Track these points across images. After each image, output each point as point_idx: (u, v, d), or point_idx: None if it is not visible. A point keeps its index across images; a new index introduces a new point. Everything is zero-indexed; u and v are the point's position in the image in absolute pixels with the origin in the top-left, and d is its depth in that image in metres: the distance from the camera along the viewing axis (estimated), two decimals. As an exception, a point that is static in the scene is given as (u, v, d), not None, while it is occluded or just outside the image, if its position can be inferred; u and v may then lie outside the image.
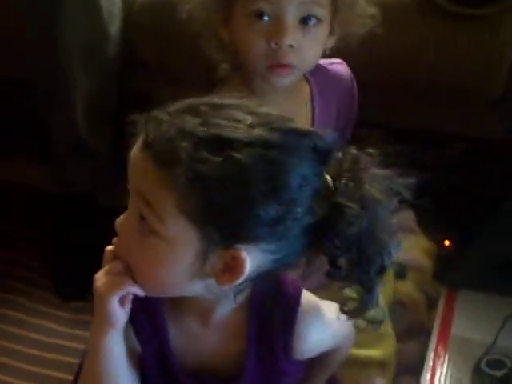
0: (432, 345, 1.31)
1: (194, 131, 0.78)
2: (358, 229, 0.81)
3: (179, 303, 0.92)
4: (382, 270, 0.83)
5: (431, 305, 1.46)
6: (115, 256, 0.87)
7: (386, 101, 1.70)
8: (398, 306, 1.45)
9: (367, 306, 0.85)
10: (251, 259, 0.81)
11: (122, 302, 0.87)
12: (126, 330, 0.91)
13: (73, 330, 1.61)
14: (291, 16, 1.19)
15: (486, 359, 1.25)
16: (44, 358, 1.55)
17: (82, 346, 1.23)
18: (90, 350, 0.92)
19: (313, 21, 1.21)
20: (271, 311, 0.93)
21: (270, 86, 1.28)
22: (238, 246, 0.80)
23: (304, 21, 1.20)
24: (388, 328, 1.38)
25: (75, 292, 1.64)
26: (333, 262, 0.84)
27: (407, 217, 1.55)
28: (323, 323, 0.96)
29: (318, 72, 1.33)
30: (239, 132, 0.78)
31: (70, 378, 1.21)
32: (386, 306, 1.40)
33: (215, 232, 0.79)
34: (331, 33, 1.27)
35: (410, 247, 1.49)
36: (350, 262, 0.83)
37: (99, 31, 1.59)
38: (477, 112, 1.66)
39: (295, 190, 0.79)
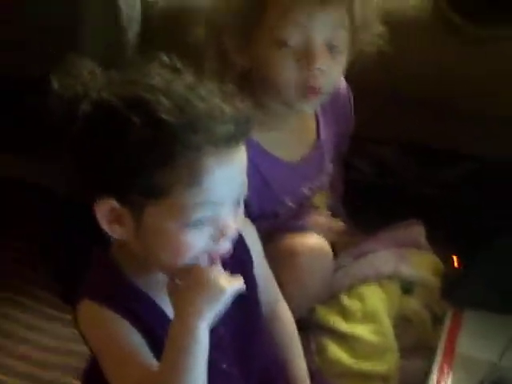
0: (437, 362, 1.30)
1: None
2: None
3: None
4: None
5: (436, 322, 1.45)
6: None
7: (399, 117, 1.70)
8: (403, 321, 1.44)
9: None
10: None
11: None
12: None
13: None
14: (320, 40, 1.20)
15: (489, 379, 1.25)
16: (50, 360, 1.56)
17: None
18: (180, 344, 0.91)
19: (338, 47, 1.23)
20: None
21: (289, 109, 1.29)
22: None
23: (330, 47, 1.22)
24: (392, 342, 1.38)
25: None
26: None
27: (418, 232, 1.54)
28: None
29: None
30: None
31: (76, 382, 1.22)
32: (390, 320, 1.40)
33: None
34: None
35: (418, 263, 1.49)
36: None
37: (118, 36, 1.59)
38: (483, 132, 1.66)
39: None
